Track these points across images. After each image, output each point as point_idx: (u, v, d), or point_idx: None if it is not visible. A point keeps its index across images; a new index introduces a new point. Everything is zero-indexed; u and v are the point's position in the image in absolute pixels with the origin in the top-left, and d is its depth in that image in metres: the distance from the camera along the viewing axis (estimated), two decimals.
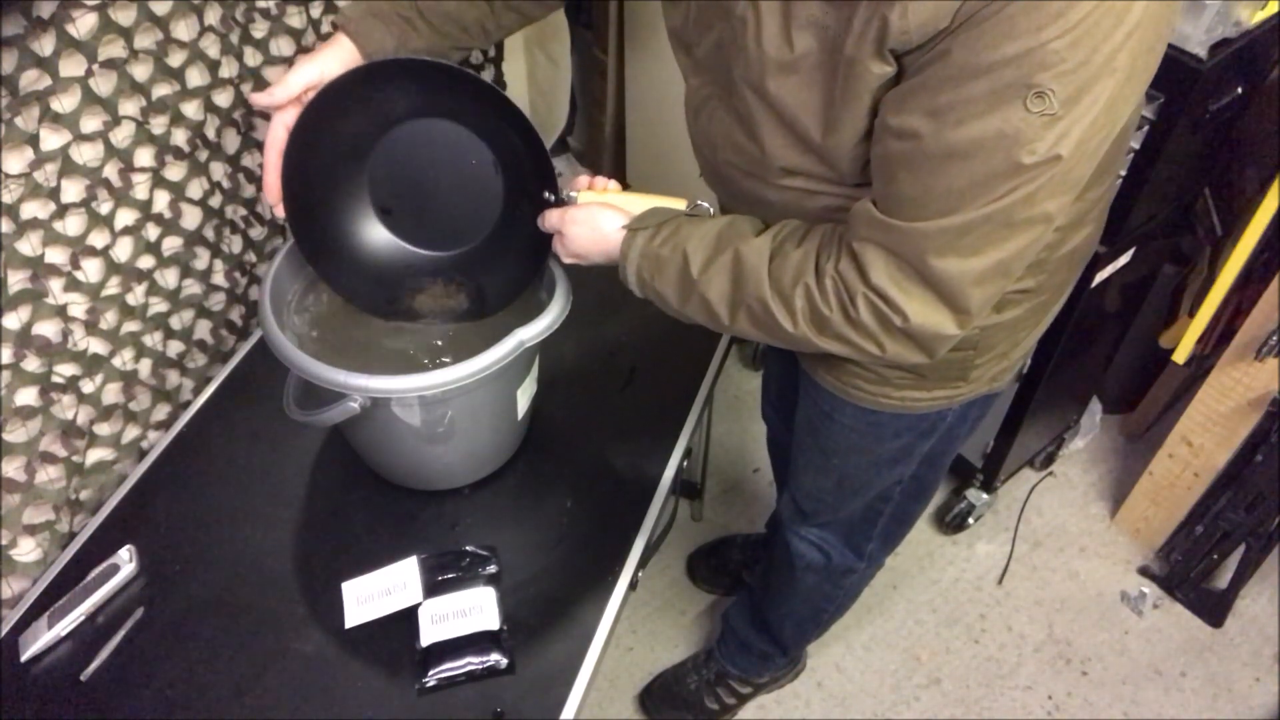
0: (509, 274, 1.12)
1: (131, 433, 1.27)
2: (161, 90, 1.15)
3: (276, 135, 0.99)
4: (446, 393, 1.01)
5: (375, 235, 1.12)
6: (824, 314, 0.81)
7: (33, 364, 1.07)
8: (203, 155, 1.25)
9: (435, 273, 1.14)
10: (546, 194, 0.99)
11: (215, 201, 1.30)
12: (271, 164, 1.00)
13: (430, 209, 1.11)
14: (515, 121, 0.98)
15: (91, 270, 1.12)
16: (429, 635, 1.06)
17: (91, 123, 1.06)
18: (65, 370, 1.12)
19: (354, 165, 1.07)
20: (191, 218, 1.26)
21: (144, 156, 1.15)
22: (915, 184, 0.73)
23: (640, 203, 0.96)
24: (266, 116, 1.00)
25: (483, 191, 1.07)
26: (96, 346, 1.16)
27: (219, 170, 1.29)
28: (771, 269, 0.83)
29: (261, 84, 1.31)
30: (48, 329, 1.08)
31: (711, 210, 0.95)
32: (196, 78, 1.20)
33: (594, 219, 0.94)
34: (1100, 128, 0.69)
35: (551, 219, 0.98)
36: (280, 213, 1.03)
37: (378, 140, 1.05)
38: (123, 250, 1.16)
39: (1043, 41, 0.63)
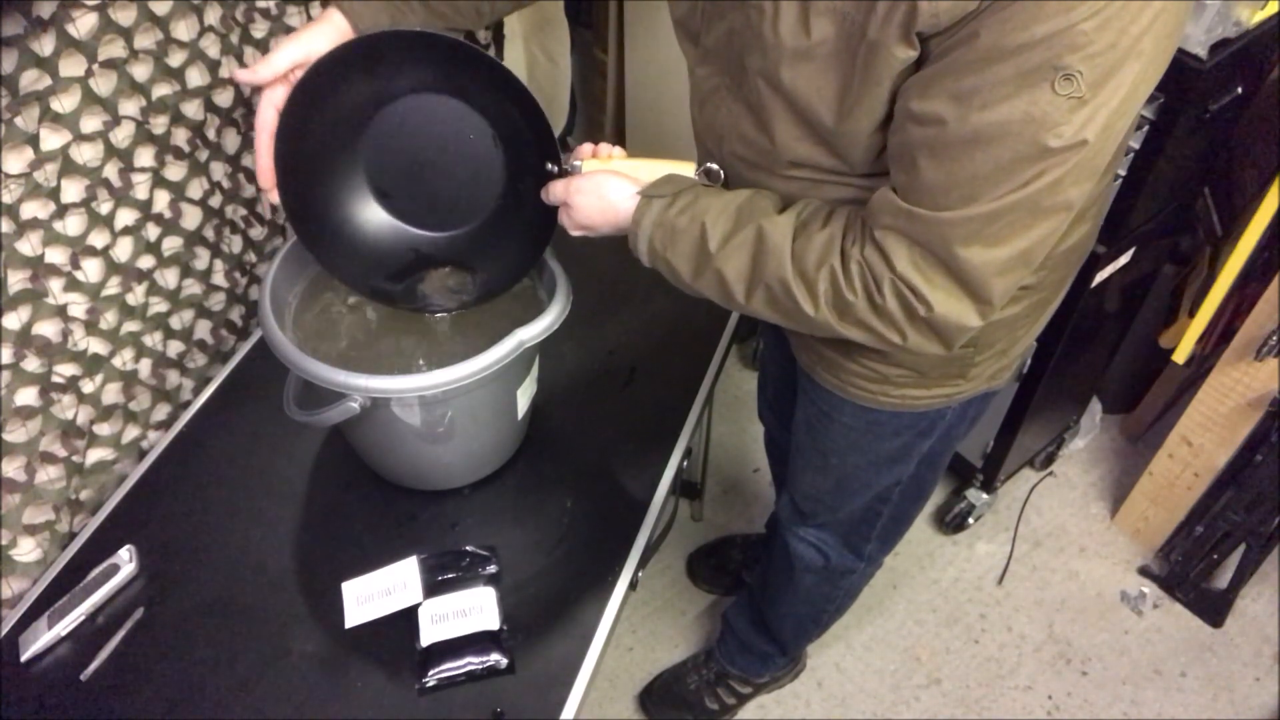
0: (513, 253, 1.09)
1: (131, 433, 1.27)
2: (161, 90, 1.15)
3: (266, 117, 0.95)
4: (446, 393, 1.01)
5: (374, 218, 1.09)
6: (848, 299, 0.80)
7: (33, 364, 1.07)
8: (203, 155, 1.25)
9: (438, 254, 1.12)
10: (549, 165, 0.96)
11: (215, 201, 1.30)
12: (263, 147, 0.97)
13: (429, 188, 1.07)
14: (514, 93, 0.95)
15: (91, 270, 1.12)
16: (429, 635, 1.06)
17: (91, 123, 1.06)
18: (65, 370, 1.12)
19: (348, 146, 1.04)
20: (191, 218, 1.26)
21: (144, 156, 1.15)
22: (938, 170, 0.72)
23: (647, 168, 0.93)
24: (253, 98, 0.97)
25: (483, 167, 1.04)
26: (96, 346, 1.16)
27: (219, 170, 1.29)
28: (795, 249, 0.81)
29: None
30: (48, 329, 1.08)
31: (723, 175, 0.93)
32: (196, 78, 1.20)
33: (601, 188, 0.92)
34: (1124, 112, 0.69)
35: (556, 190, 0.96)
36: (274, 198, 1.00)
37: (371, 119, 1.02)
38: (123, 250, 1.16)
39: (1072, 23, 0.63)
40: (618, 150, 0.97)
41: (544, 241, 1.07)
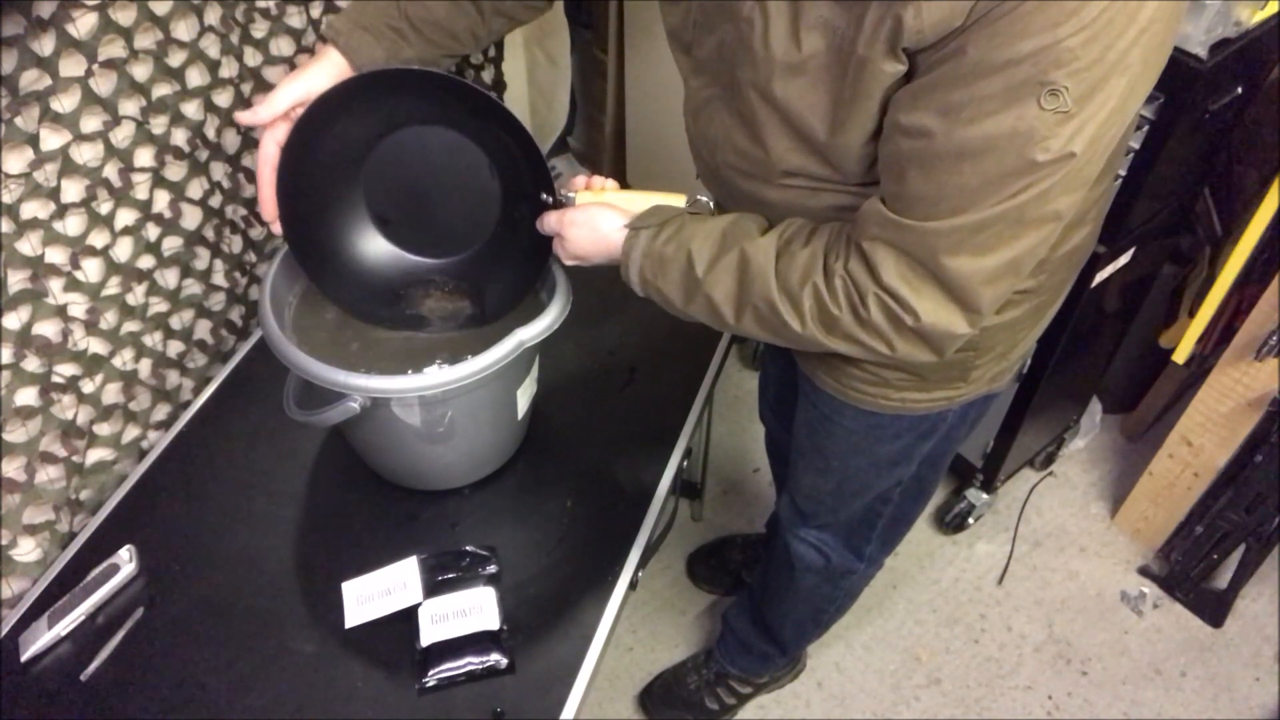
0: (511, 278, 1.12)
1: (131, 433, 1.27)
2: (161, 90, 1.15)
3: (268, 153, 0.99)
4: (446, 393, 1.01)
5: (375, 246, 1.12)
6: (833, 314, 0.80)
7: (33, 364, 1.07)
8: (203, 155, 1.25)
9: (437, 280, 1.14)
10: (544, 195, 0.99)
11: (215, 201, 1.30)
12: (266, 181, 1.00)
13: (428, 216, 1.10)
14: (508, 125, 0.98)
15: (91, 270, 1.12)
16: (429, 635, 1.06)
17: (91, 123, 1.06)
18: (65, 370, 1.12)
19: (349, 177, 1.07)
20: (191, 218, 1.26)
21: (144, 156, 1.15)
22: (927, 182, 0.72)
23: (638, 200, 0.95)
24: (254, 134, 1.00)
25: (480, 196, 1.07)
26: (96, 346, 1.16)
27: (219, 170, 1.29)
28: (778, 268, 0.82)
29: (262, 84, 1.31)
30: (48, 329, 1.08)
31: (711, 205, 0.95)
32: (196, 78, 1.20)
33: (593, 220, 0.94)
34: (1112, 124, 0.69)
35: (550, 221, 0.98)
36: (277, 230, 1.03)
37: (371, 150, 1.05)
38: (123, 250, 1.16)
39: (1058, 39, 0.63)
40: (610, 182, 0.99)
41: (540, 267, 1.09)
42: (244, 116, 0.98)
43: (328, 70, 0.97)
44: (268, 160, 0.99)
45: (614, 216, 0.93)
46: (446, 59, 1.05)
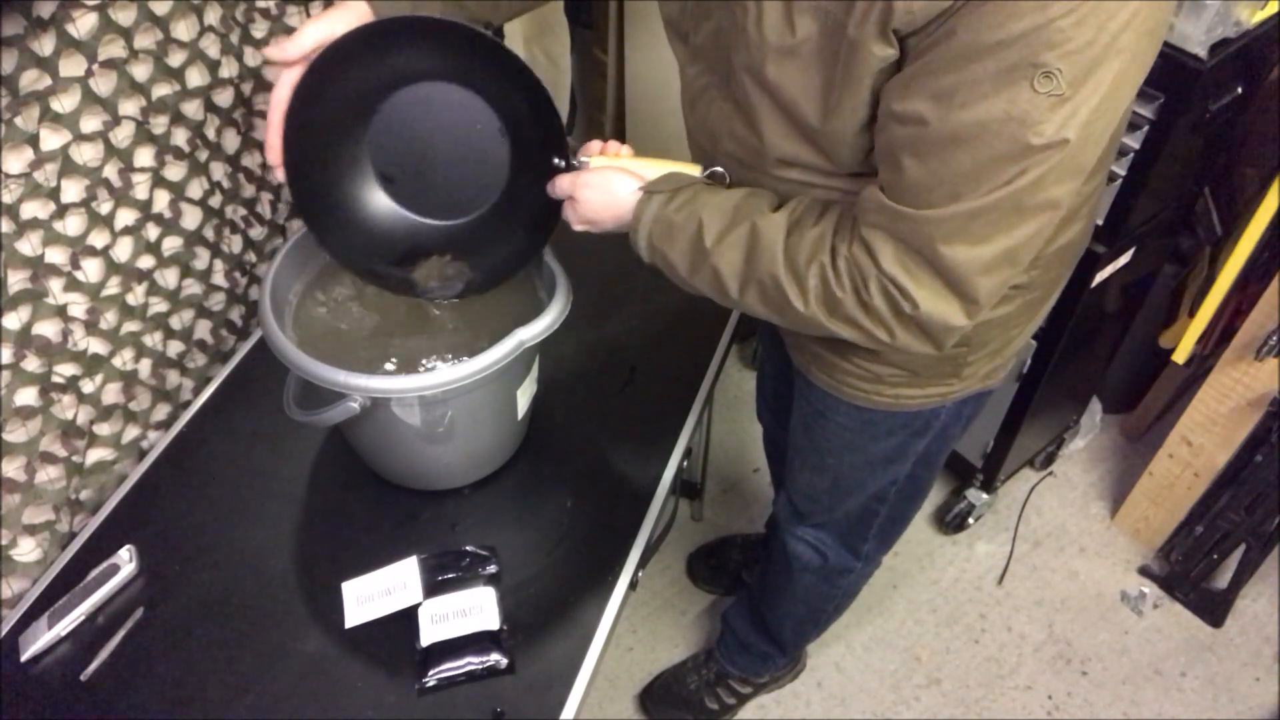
0: (513, 245, 1.10)
1: (131, 433, 1.27)
2: (161, 90, 1.15)
3: (281, 95, 0.96)
4: (446, 393, 1.01)
5: (376, 202, 1.09)
6: (837, 295, 0.80)
7: (33, 364, 1.07)
8: (203, 155, 1.25)
9: (437, 242, 1.12)
10: (556, 160, 0.97)
11: (215, 201, 1.30)
12: (274, 124, 0.97)
13: (433, 177, 1.08)
14: (526, 85, 0.95)
15: (91, 270, 1.12)
16: (429, 635, 1.06)
17: (91, 123, 1.06)
18: (65, 370, 1.12)
19: (356, 128, 1.04)
20: (191, 218, 1.26)
21: (144, 156, 1.15)
22: (921, 170, 0.72)
23: (654, 168, 0.94)
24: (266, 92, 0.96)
25: (488, 160, 1.05)
26: (96, 346, 1.16)
27: (219, 170, 1.29)
28: (787, 245, 0.82)
29: (262, 84, 1.31)
30: (48, 329, 1.08)
31: (728, 178, 0.94)
32: (196, 78, 1.20)
33: (608, 183, 0.92)
34: (1106, 110, 0.69)
35: (563, 184, 0.96)
36: (280, 175, 1.00)
37: (381, 104, 1.02)
38: (123, 250, 1.16)
39: (1049, 19, 0.63)
40: (625, 149, 0.97)
41: (544, 236, 1.07)
42: (271, 51, 0.94)
43: (348, 17, 0.94)
44: (279, 103, 0.96)
45: (629, 180, 0.92)
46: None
